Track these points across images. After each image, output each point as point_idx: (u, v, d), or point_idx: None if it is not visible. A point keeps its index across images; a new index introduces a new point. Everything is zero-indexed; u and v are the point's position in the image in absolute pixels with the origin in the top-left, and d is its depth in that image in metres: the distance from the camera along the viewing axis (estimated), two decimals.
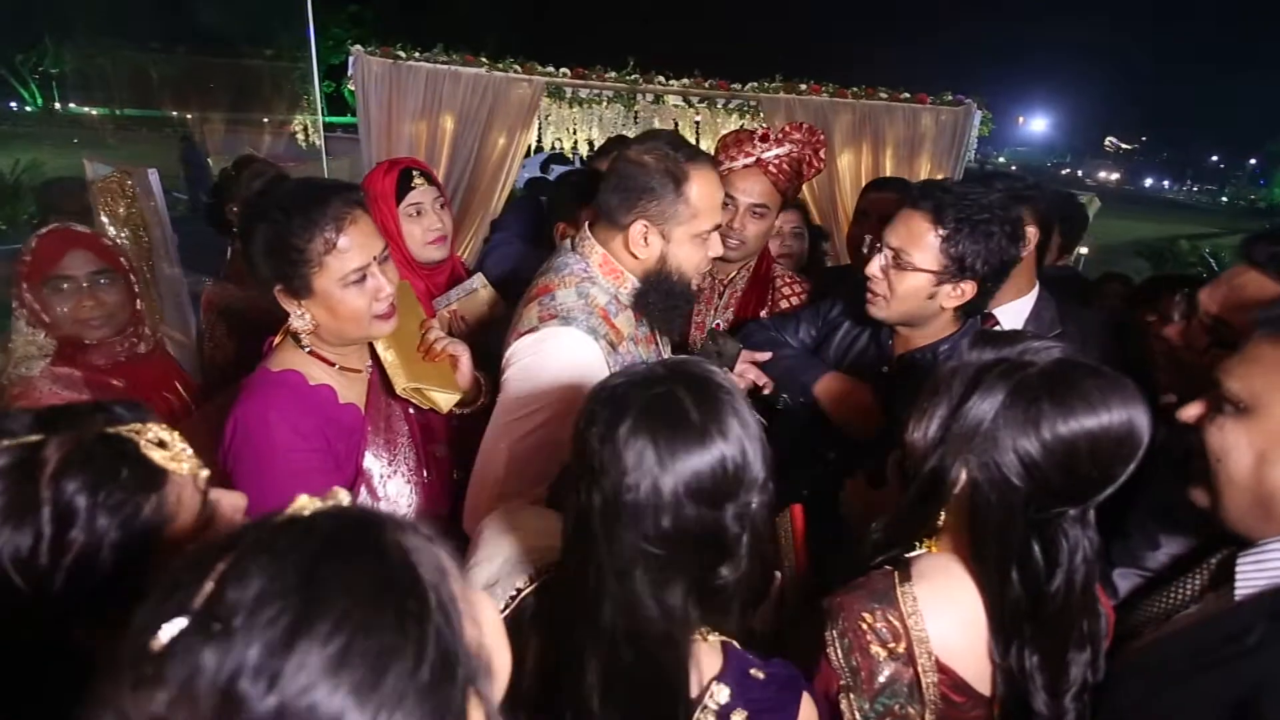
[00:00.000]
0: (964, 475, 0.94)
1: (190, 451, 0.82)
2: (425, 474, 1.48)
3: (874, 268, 1.52)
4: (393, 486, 1.43)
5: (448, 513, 1.50)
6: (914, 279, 1.47)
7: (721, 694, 0.85)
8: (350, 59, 4.58)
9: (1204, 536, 1.08)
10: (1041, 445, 0.88)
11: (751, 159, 1.95)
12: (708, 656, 0.89)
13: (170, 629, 0.42)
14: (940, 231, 1.44)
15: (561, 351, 1.33)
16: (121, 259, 1.70)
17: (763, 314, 2.05)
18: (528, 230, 2.42)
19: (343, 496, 0.53)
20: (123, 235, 2.24)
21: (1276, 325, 0.89)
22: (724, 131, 4.68)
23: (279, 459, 1.25)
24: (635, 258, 1.42)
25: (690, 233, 1.40)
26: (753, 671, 0.89)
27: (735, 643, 0.92)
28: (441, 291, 1.91)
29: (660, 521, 0.79)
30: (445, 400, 1.44)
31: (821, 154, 2.00)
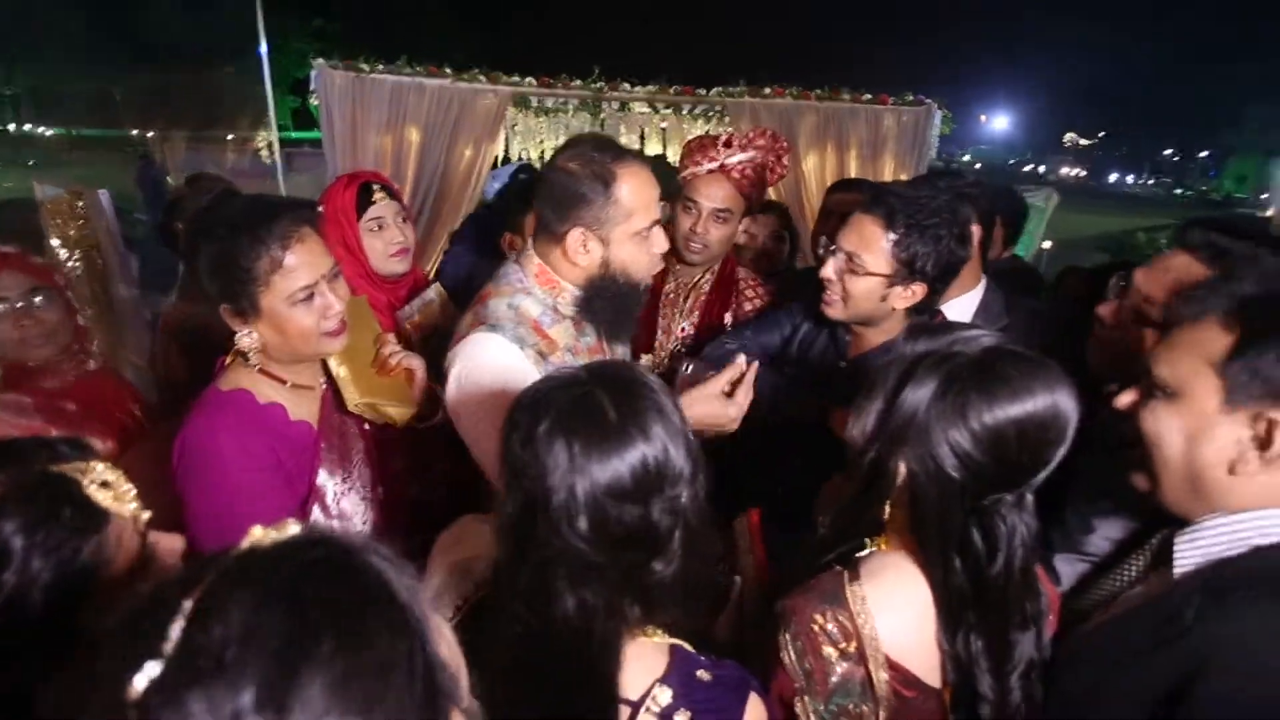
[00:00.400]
0: (902, 468, 0.95)
1: (134, 492, 0.81)
2: (380, 490, 1.47)
3: (829, 271, 1.56)
4: (347, 504, 1.41)
5: (404, 529, 1.48)
6: (867, 282, 1.52)
7: (664, 696, 0.85)
8: (313, 73, 4.55)
9: (1142, 519, 1.12)
10: (971, 434, 0.90)
11: (715, 164, 1.98)
12: (652, 657, 0.89)
13: (143, 676, 0.40)
14: (891, 236, 1.49)
15: (484, 356, 1.33)
16: (56, 275, 1.65)
17: (727, 316, 2.07)
18: (483, 241, 2.43)
19: (293, 528, 0.51)
20: (75, 257, 2.18)
21: (1196, 309, 0.91)
22: (690, 136, 4.75)
23: (228, 479, 1.23)
24: (577, 265, 1.41)
25: (628, 232, 1.39)
26: (699, 673, 0.89)
27: (686, 645, 0.93)
28: (404, 304, 1.90)
29: (577, 523, 0.80)
30: (400, 414, 1.43)
31: (785, 160, 2.04)
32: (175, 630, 0.41)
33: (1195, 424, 0.90)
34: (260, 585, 0.43)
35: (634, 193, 1.38)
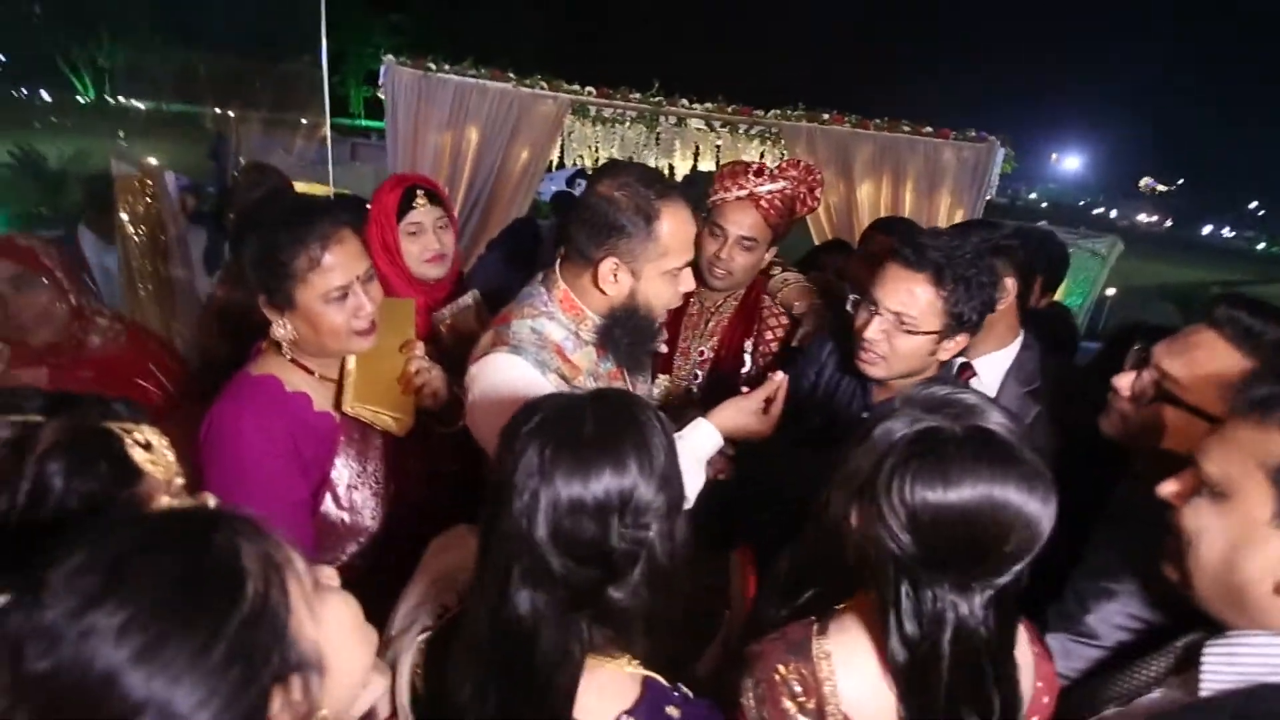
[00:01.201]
0: (854, 519, 0.93)
1: (172, 457, 0.86)
2: (392, 488, 1.50)
3: (874, 331, 1.52)
4: (358, 496, 1.45)
5: (411, 528, 1.51)
6: (917, 340, 1.50)
7: None
8: (383, 67, 4.70)
9: (1152, 608, 1.06)
10: (901, 510, 0.87)
11: (745, 192, 1.96)
12: (622, 687, 0.89)
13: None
14: (942, 293, 1.47)
15: (507, 377, 1.34)
16: (43, 259, 1.70)
17: (747, 343, 2.05)
18: (517, 251, 2.47)
19: (209, 499, 0.60)
20: (141, 232, 2.32)
21: (1258, 407, 0.85)
22: (745, 156, 4.74)
23: (245, 459, 1.29)
24: (604, 294, 1.41)
25: (660, 270, 1.40)
26: (669, 709, 0.88)
27: (661, 679, 0.92)
28: (441, 305, 1.94)
29: (536, 526, 0.81)
30: (397, 425, 1.45)
31: (817, 193, 2.01)
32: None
33: (1242, 532, 0.84)
34: (101, 546, 0.52)
35: (674, 231, 1.38)
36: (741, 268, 2.02)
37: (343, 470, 1.44)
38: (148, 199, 2.30)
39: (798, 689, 0.91)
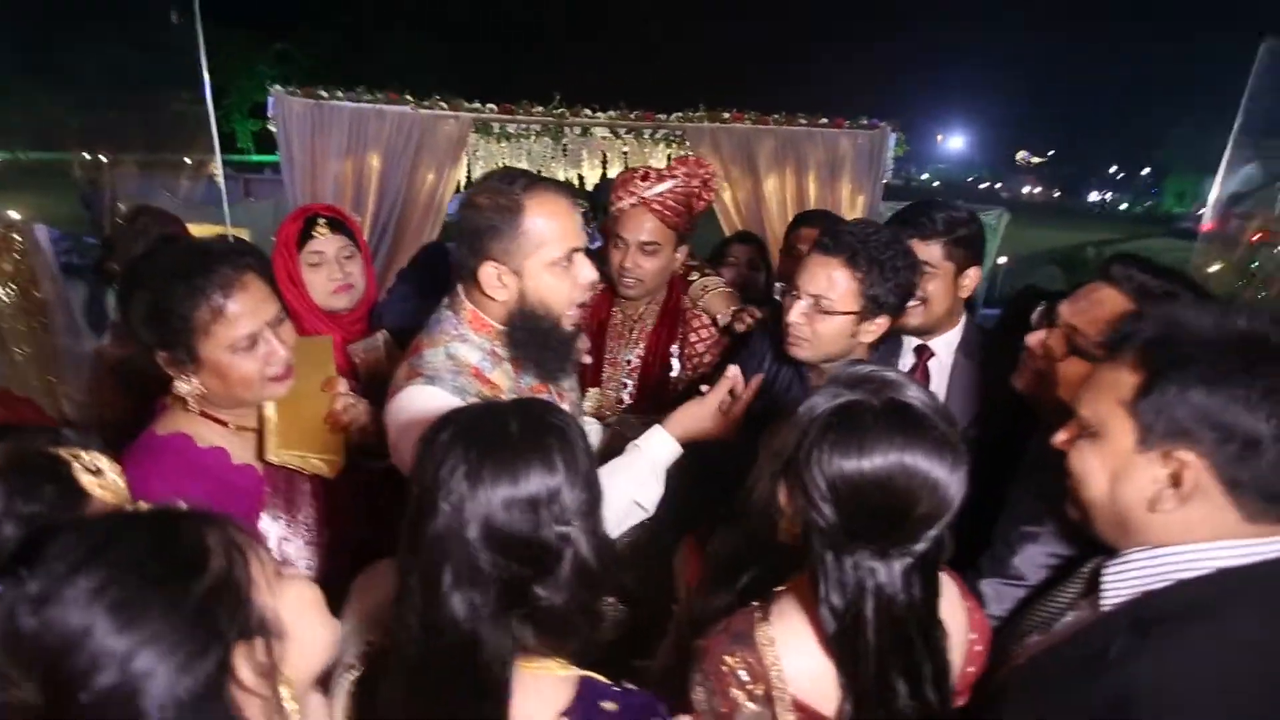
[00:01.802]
0: (783, 497, 0.97)
1: (123, 483, 0.88)
2: (326, 533, 1.43)
3: (795, 315, 1.59)
4: (291, 549, 1.37)
5: (348, 571, 1.45)
6: (836, 322, 1.56)
7: None
8: (270, 99, 4.51)
9: (1070, 545, 1.15)
10: (823, 481, 0.91)
11: (635, 199, 1.98)
12: (556, 689, 0.90)
13: None
14: (858, 275, 1.54)
15: (424, 409, 1.28)
16: None
17: (673, 348, 2.07)
18: (427, 279, 2.39)
19: (180, 502, 0.68)
20: (10, 289, 2.11)
21: (1114, 348, 0.93)
22: (651, 161, 4.81)
23: None
24: (495, 301, 1.37)
25: (542, 262, 1.35)
26: (604, 704, 0.90)
27: (596, 676, 0.93)
28: (356, 339, 1.87)
29: (467, 527, 0.83)
30: (328, 466, 1.39)
31: (711, 184, 2.05)
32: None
33: (1116, 464, 0.92)
34: (89, 531, 0.63)
35: (544, 221, 1.33)
36: (650, 273, 2.02)
37: (270, 525, 1.35)
38: (15, 255, 2.10)
39: (745, 678, 0.94)
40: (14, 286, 2.10)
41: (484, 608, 0.84)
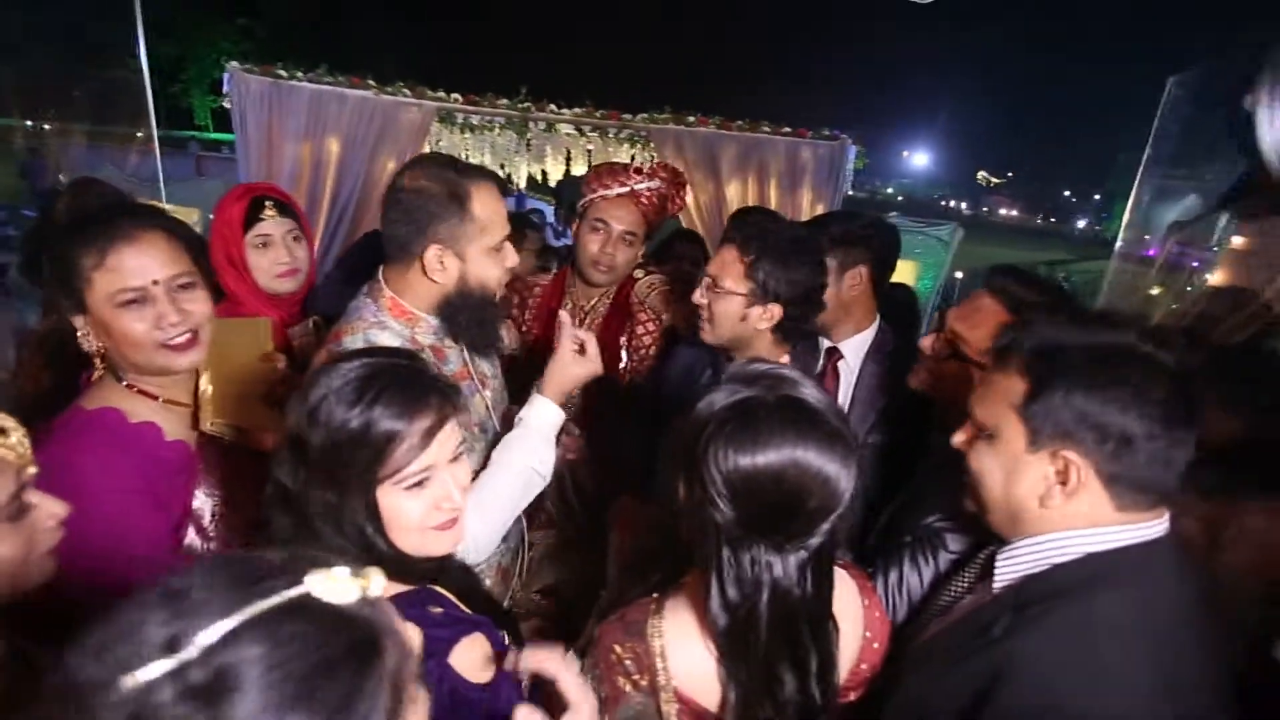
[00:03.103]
0: (681, 491, 1.00)
1: (26, 446, 0.87)
2: (258, 511, 1.41)
3: (697, 295, 1.71)
4: (226, 524, 1.36)
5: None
6: (726, 301, 1.66)
7: None
8: (225, 76, 4.39)
9: (967, 534, 1.23)
10: (717, 475, 0.93)
11: (626, 189, 2.07)
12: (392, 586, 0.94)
13: (151, 671, 0.44)
14: (746, 259, 1.63)
15: None
16: None
17: (622, 339, 2.13)
18: (360, 267, 2.37)
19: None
20: None
21: (1001, 357, 1.01)
22: (616, 159, 4.83)
23: (90, 506, 1.16)
24: (436, 283, 1.42)
25: (483, 247, 1.43)
26: (433, 608, 0.96)
27: (442, 591, 1.00)
28: (297, 322, 1.85)
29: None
30: (269, 440, 1.38)
31: (683, 194, 2.17)
32: (196, 643, 0.47)
33: (1009, 463, 1.00)
34: (284, 645, 0.48)
35: (487, 208, 1.41)
36: (623, 262, 2.12)
37: (205, 500, 1.34)
38: None
39: (631, 668, 0.97)
40: None
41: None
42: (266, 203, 1.82)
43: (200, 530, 1.33)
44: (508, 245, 1.49)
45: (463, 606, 1.00)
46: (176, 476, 1.31)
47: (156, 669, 0.45)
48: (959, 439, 1.08)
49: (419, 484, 0.98)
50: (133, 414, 1.28)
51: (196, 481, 1.34)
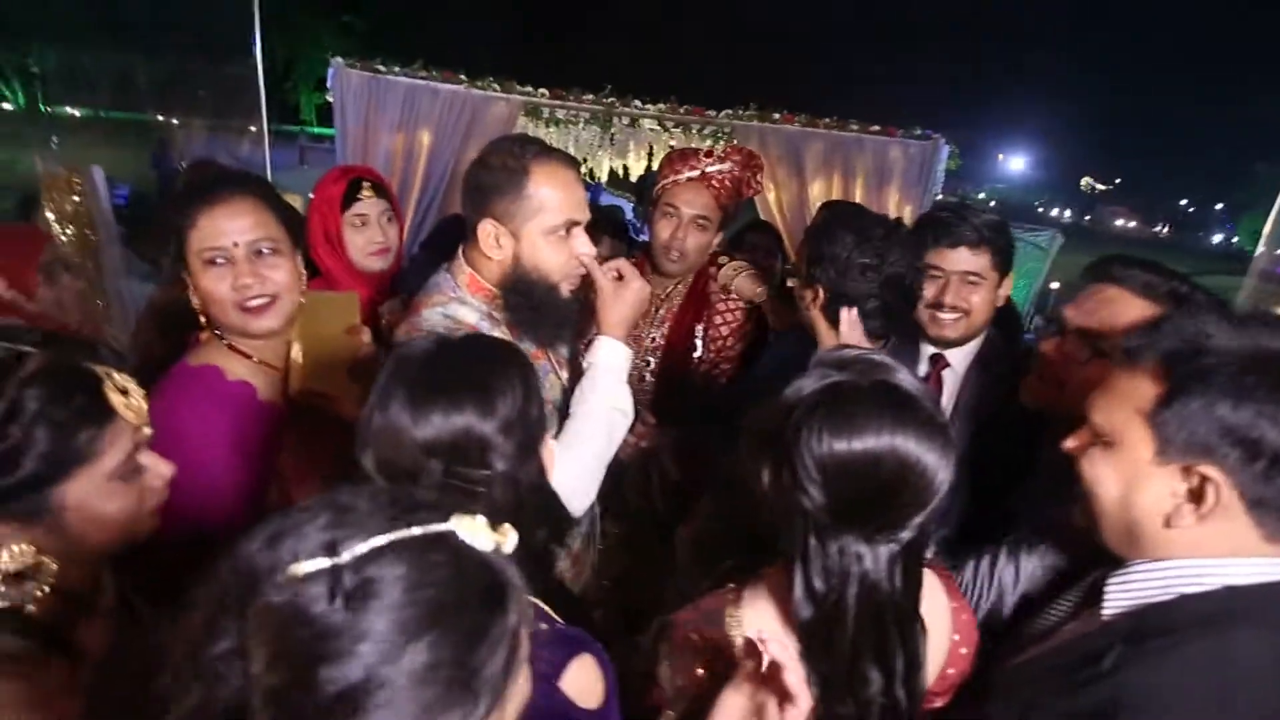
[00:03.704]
0: (765, 478, 0.95)
1: (145, 408, 0.92)
2: (340, 478, 1.47)
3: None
4: (306, 488, 1.41)
5: None
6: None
7: None
8: (330, 70, 4.63)
9: (1075, 551, 1.11)
10: (811, 462, 0.89)
11: (696, 172, 2.03)
12: None
13: (311, 565, 0.50)
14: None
15: None
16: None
17: (698, 328, 2.09)
18: (446, 245, 2.44)
19: (510, 539, 0.59)
20: (68, 231, 2.22)
21: (1128, 356, 0.91)
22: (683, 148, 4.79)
23: (187, 456, 1.23)
24: (490, 259, 1.39)
25: (541, 228, 1.36)
26: (539, 625, 0.92)
27: (539, 603, 0.95)
28: (385, 299, 1.91)
29: (364, 459, 0.92)
30: (346, 409, 1.42)
31: (759, 176, 2.09)
32: (354, 550, 0.51)
33: (1130, 474, 0.89)
34: (427, 571, 0.52)
35: (549, 188, 1.35)
36: (695, 248, 2.05)
37: (287, 459, 1.40)
38: (75, 197, 2.21)
39: (709, 657, 0.93)
40: (73, 228, 2.22)
41: None
42: (364, 184, 1.89)
43: (283, 491, 1.39)
44: (578, 233, 1.41)
45: (553, 614, 0.97)
46: (266, 435, 1.38)
47: (314, 565, 0.50)
48: (1072, 443, 0.98)
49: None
50: (230, 372, 1.35)
51: (283, 443, 1.40)
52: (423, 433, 0.90)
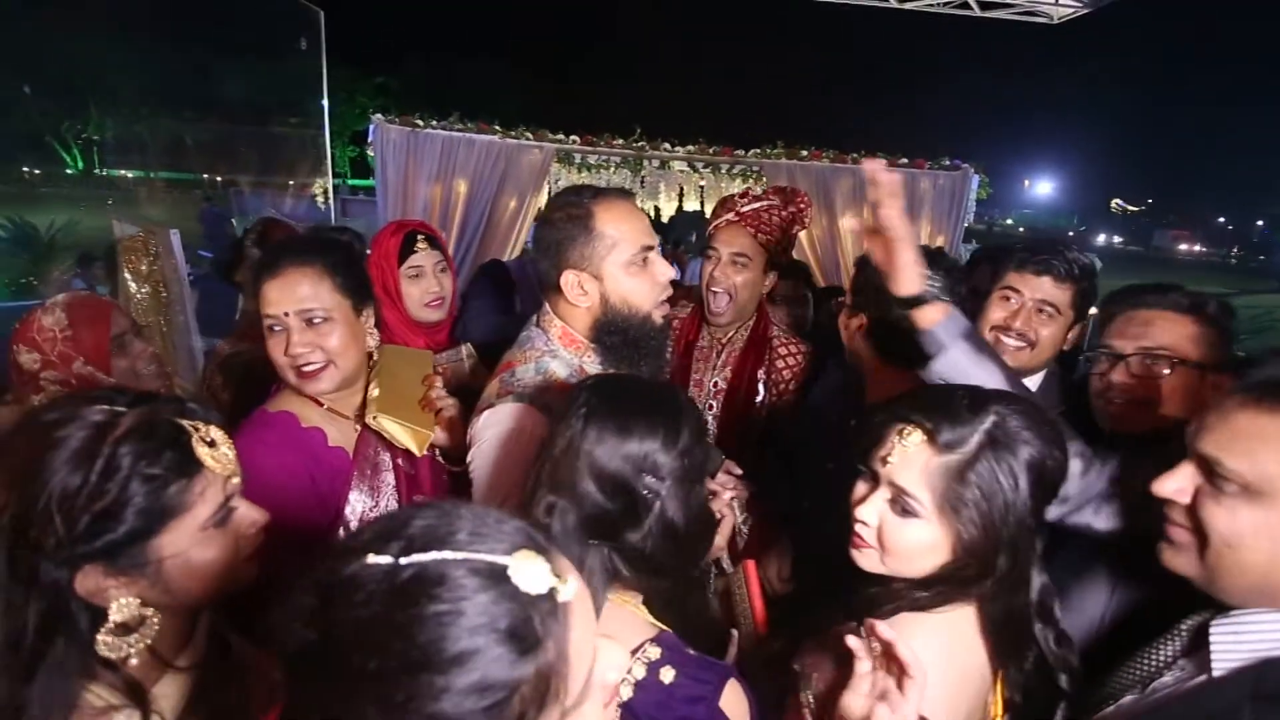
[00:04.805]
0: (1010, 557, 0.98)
1: (233, 456, 0.96)
2: None
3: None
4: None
5: None
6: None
7: (654, 651, 0.93)
8: (371, 126, 4.84)
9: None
10: (1013, 475, 0.95)
11: (732, 214, 2.07)
12: (641, 624, 0.98)
13: (378, 559, 0.56)
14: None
15: (514, 426, 1.32)
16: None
17: (760, 373, 2.09)
18: (497, 296, 2.51)
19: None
20: (143, 290, 2.35)
21: (1272, 394, 0.82)
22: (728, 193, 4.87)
23: (263, 494, 1.28)
24: (579, 308, 1.42)
25: (619, 262, 1.39)
26: (688, 650, 0.97)
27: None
28: (441, 349, 1.96)
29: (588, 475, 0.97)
30: (415, 441, 1.46)
31: (806, 213, 2.10)
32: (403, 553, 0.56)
33: None
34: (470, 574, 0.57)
35: (615, 223, 1.38)
36: (740, 285, 2.06)
37: (356, 504, 1.44)
38: (150, 257, 2.33)
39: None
40: (147, 286, 2.34)
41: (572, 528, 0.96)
42: (419, 237, 1.96)
43: (348, 531, 1.42)
44: (655, 258, 1.44)
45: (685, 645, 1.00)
46: (335, 479, 1.42)
47: (383, 559, 0.55)
48: (1173, 487, 0.90)
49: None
50: (304, 418, 1.41)
51: (350, 486, 1.45)
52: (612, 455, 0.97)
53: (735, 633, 1.23)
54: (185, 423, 0.91)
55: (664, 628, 0.99)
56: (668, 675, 0.91)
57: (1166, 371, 1.33)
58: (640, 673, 0.91)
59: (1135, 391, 1.35)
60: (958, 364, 1.18)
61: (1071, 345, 1.68)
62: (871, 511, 1.01)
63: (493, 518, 0.61)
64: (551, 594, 0.59)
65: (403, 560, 0.55)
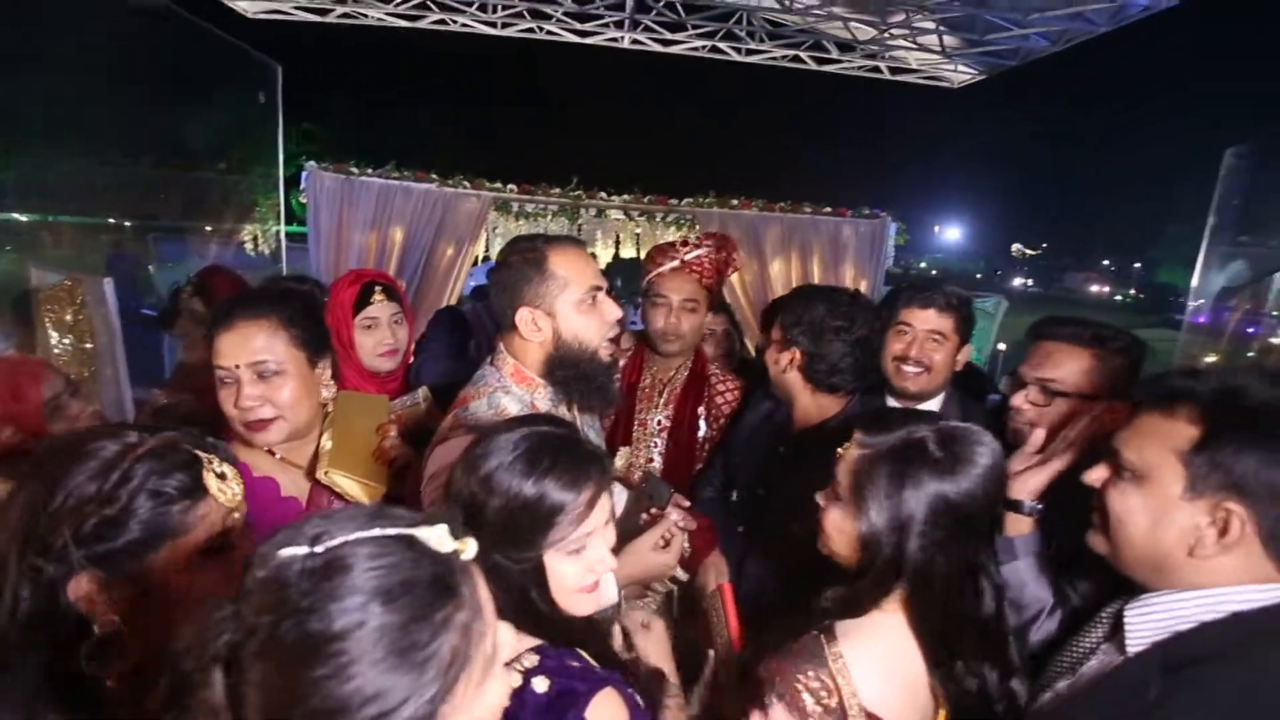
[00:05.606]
0: (915, 551, 1.06)
1: (240, 491, 1.02)
2: None
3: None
4: None
5: None
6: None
7: (530, 659, 0.99)
8: (304, 173, 4.78)
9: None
10: (957, 493, 1.06)
11: (677, 261, 2.20)
12: (520, 638, 0.99)
13: (292, 550, 0.63)
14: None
15: None
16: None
17: (700, 409, 2.19)
18: (452, 342, 2.55)
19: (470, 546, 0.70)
20: (65, 342, 2.22)
21: (1168, 399, 0.98)
22: (664, 241, 5.04)
23: None
24: (532, 343, 1.50)
25: (570, 301, 1.49)
26: (571, 662, 1.00)
27: (586, 655, 1.04)
28: (394, 397, 1.95)
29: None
30: (369, 496, 1.46)
31: (735, 255, 2.28)
32: (327, 542, 0.64)
33: (1159, 507, 0.97)
34: (382, 554, 0.64)
35: (566, 265, 1.48)
36: (690, 329, 2.22)
37: None
38: (75, 306, 2.21)
39: (820, 691, 1.00)
40: (70, 338, 2.21)
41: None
42: (376, 288, 1.97)
43: None
44: (604, 298, 1.53)
45: (598, 667, 1.03)
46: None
47: (298, 550, 0.63)
48: (1096, 476, 1.07)
49: (578, 549, 1.05)
50: (256, 468, 1.40)
51: None
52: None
53: (713, 653, 1.28)
54: (201, 454, 0.98)
55: (542, 641, 1.03)
56: (541, 685, 0.96)
57: (1046, 401, 1.54)
58: (516, 680, 0.96)
59: (1029, 415, 1.56)
60: (1020, 574, 1.30)
61: (961, 366, 1.94)
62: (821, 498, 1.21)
63: (383, 507, 0.70)
64: (456, 553, 0.67)
65: (317, 549, 0.62)
